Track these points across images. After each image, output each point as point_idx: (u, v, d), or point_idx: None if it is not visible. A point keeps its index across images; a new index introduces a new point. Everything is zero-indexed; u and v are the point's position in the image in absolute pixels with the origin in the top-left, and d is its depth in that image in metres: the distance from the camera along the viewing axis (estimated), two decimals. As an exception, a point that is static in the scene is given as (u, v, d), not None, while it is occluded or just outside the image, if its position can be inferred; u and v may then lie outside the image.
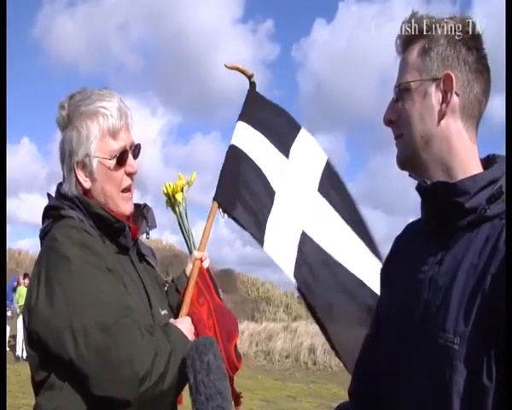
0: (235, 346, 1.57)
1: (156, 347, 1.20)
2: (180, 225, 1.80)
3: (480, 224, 0.95)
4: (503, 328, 0.84)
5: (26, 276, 12.15)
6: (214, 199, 1.86)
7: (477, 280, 0.90)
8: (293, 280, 1.93)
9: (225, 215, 1.87)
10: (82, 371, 1.15)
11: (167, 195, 1.80)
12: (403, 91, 1.05)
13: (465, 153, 1.01)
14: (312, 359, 14.74)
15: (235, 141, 2.01)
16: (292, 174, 2.11)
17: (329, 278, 2.00)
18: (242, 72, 2.15)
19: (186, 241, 1.81)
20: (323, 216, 2.10)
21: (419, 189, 1.04)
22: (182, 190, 1.78)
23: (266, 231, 1.92)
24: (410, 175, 1.09)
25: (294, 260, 1.95)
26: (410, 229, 1.19)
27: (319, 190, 2.13)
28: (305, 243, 2.01)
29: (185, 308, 1.56)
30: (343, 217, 2.12)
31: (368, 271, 2.01)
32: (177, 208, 1.79)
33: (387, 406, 1.05)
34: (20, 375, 8.49)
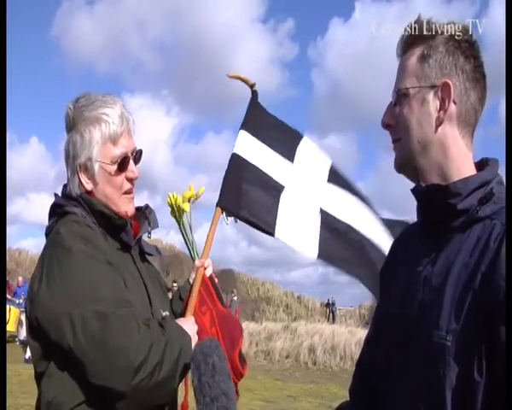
0: (240, 352, 1.55)
1: (152, 338, 1.22)
2: (183, 235, 1.80)
3: (471, 224, 0.98)
4: (500, 326, 0.85)
5: None
6: (217, 205, 1.85)
7: (468, 279, 0.93)
8: (314, 258, 1.95)
9: (229, 219, 1.87)
10: (79, 359, 1.18)
11: (171, 205, 1.79)
12: (401, 97, 1.06)
13: (461, 159, 1.03)
14: (312, 359, 14.72)
15: (238, 150, 2.01)
16: (299, 173, 2.14)
17: (352, 244, 2.06)
18: (244, 81, 2.14)
19: (189, 251, 1.82)
20: (337, 196, 2.16)
21: (414, 191, 1.07)
22: (189, 201, 1.78)
23: (277, 220, 1.94)
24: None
25: (318, 239, 1.99)
26: (407, 232, 1.22)
27: (329, 181, 2.17)
28: (325, 218, 2.06)
29: (189, 314, 1.56)
30: (354, 194, 2.19)
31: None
32: (180, 219, 1.78)
33: (387, 403, 1.07)
34: (20, 375, 8.49)
